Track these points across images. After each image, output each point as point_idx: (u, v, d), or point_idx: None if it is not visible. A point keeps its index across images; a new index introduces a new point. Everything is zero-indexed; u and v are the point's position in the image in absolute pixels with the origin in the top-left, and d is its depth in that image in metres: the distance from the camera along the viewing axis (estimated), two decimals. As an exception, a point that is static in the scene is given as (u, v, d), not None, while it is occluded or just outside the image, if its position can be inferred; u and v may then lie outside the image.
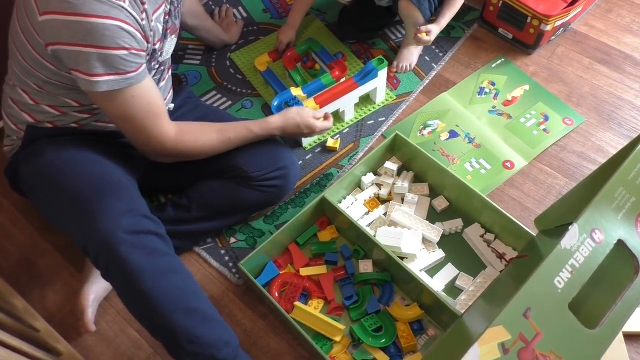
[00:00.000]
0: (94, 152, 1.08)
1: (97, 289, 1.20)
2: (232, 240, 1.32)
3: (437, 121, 1.49)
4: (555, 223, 1.08)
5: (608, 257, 0.75)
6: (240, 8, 1.77)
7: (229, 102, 1.55)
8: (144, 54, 0.96)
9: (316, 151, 1.46)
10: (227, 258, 1.29)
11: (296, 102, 1.36)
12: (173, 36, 1.12)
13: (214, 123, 1.17)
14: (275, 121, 1.23)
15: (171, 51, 1.14)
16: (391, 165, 1.35)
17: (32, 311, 1.20)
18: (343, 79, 1.47)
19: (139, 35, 0.93)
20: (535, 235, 1.15)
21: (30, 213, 1.37)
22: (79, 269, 1.27)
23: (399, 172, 1.37)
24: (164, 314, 0.95)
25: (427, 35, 1.43)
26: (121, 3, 0.89)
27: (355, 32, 1.64)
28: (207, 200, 1.23)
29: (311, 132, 1.28)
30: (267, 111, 1.52)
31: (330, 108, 1.40)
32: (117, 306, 1.24)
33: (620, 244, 0.76)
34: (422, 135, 1.47)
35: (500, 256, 1.23)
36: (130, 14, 0.91)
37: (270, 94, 1.55)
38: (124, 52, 0.90)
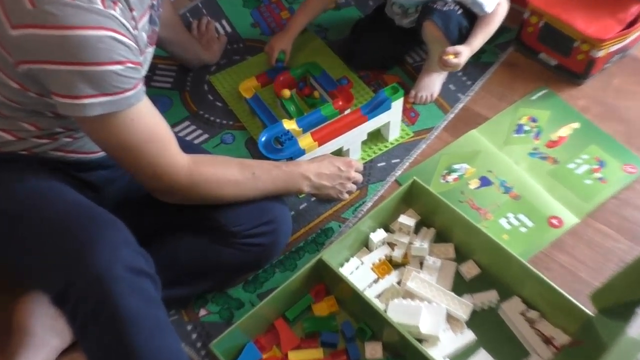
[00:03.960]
0: (59, 182, 1.06)
1: None
2: (202, 312, 1.26)
3: (464, 165, 1.46)
4: (619, 299, 1.05)
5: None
6: (223, 21, 1.78)
7: (205, 135, 1.53)
8: (141, 67, 0.96)
9: (312, 199, 1.41)
10: (194, 336, 1.23)
11: (289, 137, 1.33)
12: (152, 47, 1.12)
13: (230, 157, 1.18)
14: (306, 161, 1.26)
15: (148, 66, 1.12)
16: (407, 220, 1.31)
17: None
18: (348, 111, 1.45)
19: (133, 46, 0.93)
20: (592, 314, 1.12)
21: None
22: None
23: (417, 229, 1.33)
24: None
25: (455, 57, 1.40)
26: (112, 11, 0.89)
27: (370, 60, 1.63)
28: (172, 260, 1.18)
29: (348, 168, 1.30)
30: (252, 147, 1.49)
31: (331, 146, 1.36)
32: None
33: None
34: (446, 182, 1.44)
35: (547, 340, 1.18)
36: (122, 23, 0.91)
37: (257, 126, 1.53)
38: (120, 66, 0.90)
